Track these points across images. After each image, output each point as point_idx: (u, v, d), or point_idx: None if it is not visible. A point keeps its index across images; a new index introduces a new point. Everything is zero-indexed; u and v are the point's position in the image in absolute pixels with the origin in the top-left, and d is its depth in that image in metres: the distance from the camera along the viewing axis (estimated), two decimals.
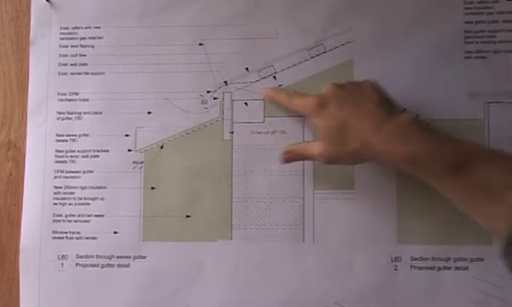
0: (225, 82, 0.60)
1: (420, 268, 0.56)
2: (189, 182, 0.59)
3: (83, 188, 0.60)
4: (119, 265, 0.59)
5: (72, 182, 0.60)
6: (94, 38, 0.61)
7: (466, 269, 0.56)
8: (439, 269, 0.56)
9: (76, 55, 0.61)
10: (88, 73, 0.61)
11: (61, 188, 0.60)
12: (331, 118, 0.51)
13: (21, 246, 0.60)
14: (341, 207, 0.57)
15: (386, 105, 0.50)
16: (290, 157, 0.56)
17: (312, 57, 0.59)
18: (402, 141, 0.48)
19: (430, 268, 0.56)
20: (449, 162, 0.47)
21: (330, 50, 0.59)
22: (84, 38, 0.61)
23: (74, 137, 0.60)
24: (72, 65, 0.61)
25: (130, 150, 0.60)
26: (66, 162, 0.60)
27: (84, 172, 0.60)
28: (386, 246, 0.57)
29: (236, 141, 0.59)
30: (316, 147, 0.52)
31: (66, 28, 0.61)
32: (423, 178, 0.49)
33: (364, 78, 0.58)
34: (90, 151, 0.60)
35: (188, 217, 0.59)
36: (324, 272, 0.57)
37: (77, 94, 0.61)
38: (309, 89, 0.58)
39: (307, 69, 0.59)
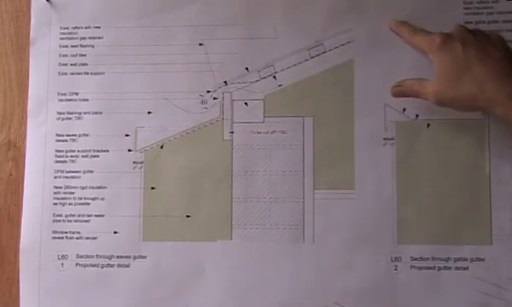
0: (225, 82, 0.60)
1: (420, 268, 0.56)
2: (189, 182, 0.59)
3: (83, 188, 0.60)
4: (119, 265, 0.59)
5: (72, 182, 0.60)
6: (94, 38, 0.61)
7: (466, 269, 0.56)
8: (439, 269, 0.56)
9: (76, 55, 0.61)
10: (88, 73, 0.61)
11: (61, 187, 0.60)
12: (454, 57, 0.49)
13: (21, 245, 0.60)
14: (341, 207, 0.57)
15: (510, 56, 0.49)
16: (400, 91, 0.54)
17: (312, 57, 0.59)
18: None
19: (430, 268, 0.56)
20: None
21: (330, 50, 0.59)
22: (84, 38, 0.61)
23: (74, 137, 0.60)
24: (72, 65, 0.61)
25: (130, 150, 0.60)
26: (66, 162, 0.60)
27: (84, 172, 0.60)
28: (386, 246, 0.57)
29: (236, 141, 0.59)
30: (431, 86, 0.51)
31: (66, 28, 0.61)
32: None
33: (364, 78, 0.58)
34: (90, 151, 0.60)
35: (188, 217, 0.59)
36: (324, 272, 0.57)
37: (77, 94, 0.61)
38: (309, 89, 0.58)
39: (307, 69, 0.59)
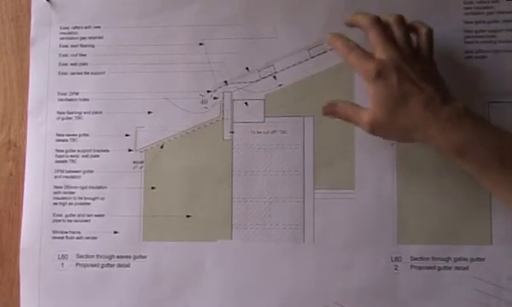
0: (225, 82, 0.60)
1: (420, 268, 0.56)
2: (189, 182, 0.59)
3: (83, 188, 0.60)
4: (120, 265, 0.59)
5: (72, 182, 0.60)
6: (94, 38, 0.61)
7: (466, 269, 0.56)
8: (439, 268, 0.56)
9: (76, 55, 0.61)
10: (88, 73, 0.61)
11: (61, 187, 0.60)
12: (388, 90, 0.49)
13: (21, 245, 0.60)
14: (341, 207, 0.57)
15: (443, 87, 0.50)
16: (333, 111, 0.53)
17: (312, 57, 0.59)
18: (456, 129, 0.47)
19: (430, 268, 0.56)
20: (499, 153, 0.47)
21: (330, 50, 0.58)
22: (84, 38, 0.61)
23: (74, 137, 0.60)
24: (72, 64, 0.61)
25: (130, 150, 0.60)
26: (66, 162, 0.60)
27: (84, 172, 0.60)
28: (386, 246, 0.57)
29: (236, 141, 0.59)
30: (365, 115, 0.50)
31: (67, 28, 0.61)
32: (471, 170, 0.48)
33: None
34: (90, 151, 0.60)
35: (188, 216, 0.59)
36: (324, 272, 0.57)
37: (77, 93, 0.61)
38: (309, 89, 0.58)
39: (307, 69, 0.59)
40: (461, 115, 0.48)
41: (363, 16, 0.53)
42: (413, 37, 0.53)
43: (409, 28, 0.53)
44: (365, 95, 0.58)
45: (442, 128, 0.47)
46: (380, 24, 0.51)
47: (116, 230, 0.59)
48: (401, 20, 0.52)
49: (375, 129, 0.50)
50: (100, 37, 0.61)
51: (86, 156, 0.60)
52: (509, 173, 0.47)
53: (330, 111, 0.54)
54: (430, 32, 0.52)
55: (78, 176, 0.60)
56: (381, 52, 0.50)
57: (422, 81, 0.49)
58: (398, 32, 0.51)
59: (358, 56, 0.51)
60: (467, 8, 0.58)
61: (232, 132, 0.59)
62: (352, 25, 0.54)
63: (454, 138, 0.47)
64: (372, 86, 0.49)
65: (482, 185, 0.49)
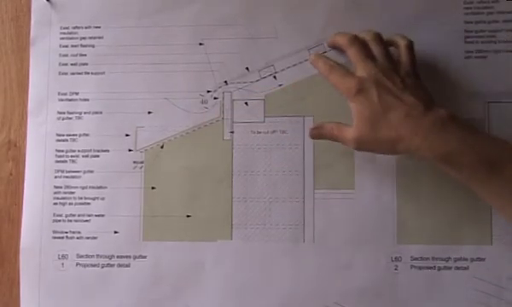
0: (225, 82, 0.60)
1: (420, 268, 0.56)
2: (189, 182, 0.59)
3: (83, 188, 0.60)
4: (120, 265, 0.59)
5: (72, 182, 0.60)
6: (94, 38, 0.61)
7: (466, 268, 0.56)
8: (440, 268, 0.56)
9: (76, 55, 0.61)
10: (88, 73, 0.61)
11: (61, 187, 0.60)
12: (369, 105, 0.50)
13: (21, 245, 0.60)
14: (341, 207, 0.57)
15: (425, 96, 0.50)
16: (319, 134, 0.55)
17: None
18: (440, 137, 0.47)
19: (430, 268, 0.56)
20: (486, 159, 0.46)
21: (330, 50, 0.59)
22: (84, 38, 0.61)
23: (74, 137, 0.60)
24: (72, 65, 0.61)
25: (130, 150, 0.60)
26: (66, 162, 0.60)
27: (84, 172, 0.60)
28: (386, 246, 0.57)
29: (236, 141, 0.59)
30: (349, 132, 0.51)
31: (67, 28, 0.61)
32: (459, 176, 0.48)
33: None
34: (90, 151, 0.60)
35: (188, 216, 0.59)
36: (324, 272, 0.57)
37: (77, 94, 0.61)
38: (309, 89, 0.58)
39: (307, 69, 0.59)
40: (445, 122, 0.48)
41: (341, 36, 0.54)
42: (394, 50, 0.54)
43: (388, 43, 0.53)
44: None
45: (425, 137, 0.47)
46: (358, 42, 0.52)
47: (116, 230, 0.59)
48: (378, 36, 0.53)
49: (359, 144, 0.51)
50: (100, 37, 0.61)
51: (86, 156, 0.60)
52: (499, 179, 0.47)
53: (317, 134, 0.55)
54: (410, 44, 0.53)
55: (79, 176, 0.60)
56: (360, 69, 0.51)
57: (403, 93, 0.49)
58: (376, 48, 0.52)
59: (339, 75, 0.52)
60: (467, 8, 0.58)
61: (232, 132, 0.59)
62: (333, 46, 0.57)
63: (437, 146, 0.47)
64: (354, 103, 0.50)
65: (474, 192, 0.49)
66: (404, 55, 0.53)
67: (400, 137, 0.48)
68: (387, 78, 0.50)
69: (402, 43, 0.53)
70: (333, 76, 0.53)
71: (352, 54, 0.52)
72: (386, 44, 0.53)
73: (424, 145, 0.48)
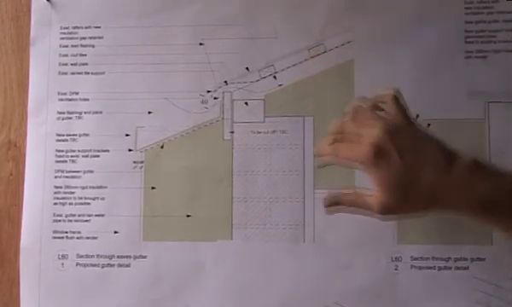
0: (225, 81, 0.60)
1: (420, 268, 0.56)
2: (189, 182, 0.59)
3: (83, 188, 0.60)
4: (120, 265, 0.59)
5: (72, 182, 0.60)
6: (94, 38, 0.61)
7: (466, 268, 0.56)
8: (440, 268, 0.56)
9: (76, 55, 0.61)
10: (88, 73, 0.61)
11: (61, 187, 0.60)
12: (392, 168, 0.43)
13: (21, 245, 0.60)
14: None
15: (442, 145, 0.45)
16: (335, 203, 0.48)
17: (312, 57, 0.59)
18: (473, 186, 0.42)
19: (430, 268, 0.56)
20: None
21: (330, 50, 0.59)
22: (84, 38, 0.61)
23: (74, 137, 0.60)
24: (72, 64, 0.61)
25: (130, 150, 0.60)
26: (66, 162, 0.60)
27: (84, 172, 0.60)
28: (386, 246, 0.56)
29: (236, 141, 0.59)
30: (374, 199, 0.44)
31: (67, 28, 0.61)
32: (499, 223, 0.44)
33: (364, 78, 0.58)
34: (90, 151, 0.60)
35: (188, 216, 0.59)
36: (324, 272, 0.57)
37: (77, 93, 0.61)
38: (309, 88, 0.58)
39: (307, 69, 0.59)
40: (474, 170, 0.43)
41: (330, 128, 0.47)
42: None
43: (376, 102, 0.47)
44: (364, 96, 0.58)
45: (458, 189, 0.42)
46: (348, 117, 0.46)
47: (116, 230, 0.59)
48: (363, 100, 0.47)
49: (387, 211, 0.44)
50: (100, 37, 0.61)
51: (86, 156, 0.60)
52: None
53: (334, 203, 0.48)
54: (395, 98, 0.46)
55: (79, 176, 0.60)
56: (368, 132, 0.44)
57: (422, 147, 0.44)
58: (369, 111, 0.46)
59: (347, 147, 0.45)
60: (467, 8, 0.58)
61: (232, 132, 0.59)
62: (319, 154, 0.49)
63: (475, 196, 0.42)
64: (373, 170, 0.43)
65: None
66: (394, 109, 0.46)
67: (434, 197, 0.43)
68: (401, 133, 0.44)
69: (388, 99, 0.46)
70: (342, 151, 0.45)
71: (352, 127, 0.45)
72: (374, 104, 0.47)
73: (459, 198, 0.43)
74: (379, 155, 0.43)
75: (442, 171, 0.43)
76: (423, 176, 0.43)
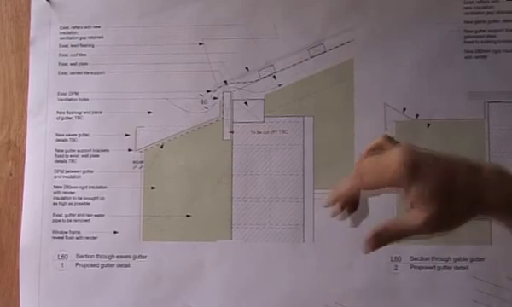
0: (225, 81, 0.60)
1: (420, 268, 0.56)
2: (189, 182, 0.59)
3: (83, 188, 0.60)
4: (119, 265, 0.59)
5: (72, 182, 0.60)
6: (94, 38, 0.61)
7: (466, 268, 0.56)
8: (439, 268, 0.56)
9: (76, 55, 0.61)
10: (88, 73, 0.61)
11: (60, 187, 0.60)
12: (429, 181, 0.41)
13: (21, 245, 0.59)
14: None
15: (453, 155, 0.43)
16: (382, 241, 0.45)
17: (312, 57, 0.59)
18: (501, 186, 0.41)
19: (430, 268, 0.56)
20: None
21: (330, 50, 0.59)
22: (83, 38, 0.61)
23: (74, 137, 0.60)
24: (72, 64, 0.61)
25: (130, 150, 0.60)
26: (66, 162, 0.60)
27: (84, 172, 0.60)
28: (386, 246, 0.56)
29: (236, 141, 0.59)
30: (416, 220, 0.42)
31: (66, 28, 0.61)
32: None
33: (364, 77, 0.58)
34: (90, 151, 0.60)
35: (188, 216, 0.59)
36: (324, 272, 0.57)
37: (77, 93, 0.61)
38: (309, 88, 0.58)
39: (307, 69, 0.59)
40: (499, 172, 0.42)
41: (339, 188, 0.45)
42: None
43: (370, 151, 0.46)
44: (365, 96, 0.58)
45: (498, 184, 0.41)
46: (362, 161, 0.44)
47: (116, 230, 0.59)
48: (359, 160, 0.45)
49: (436, 228, 0.42)
50: (100, 37, 0.61)
51: (86, 156, 0.60)
52: None
53: (378, 242, 0.45)
54: (387, 136, 0.45)
55: (78, 176, 0.60)
56: (393, 152, 0.42)
57: (444, 157, 0.42)
58: (372, 156, 0.44)
59: (374, 172, 0.43)
60: (467, 7, 0.58)
61: (232, 132, 0.59)
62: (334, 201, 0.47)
63: (503, 195, 0.41)
64: (411, 187, 0.41)
65: None
66: (390, 144, 0.45)
67: (476, 195, 0.41)
68: (417, 148, 0.42)
69: (381, 139, 0.45)
70: (367, 178, 0.43)
71: (370, 163, 0.43)
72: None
73: (495, 198, 0.41)
74: (413, 173, 0.41)
75: (474, 171, 0.41)
76: (459, 177, 0.41)
